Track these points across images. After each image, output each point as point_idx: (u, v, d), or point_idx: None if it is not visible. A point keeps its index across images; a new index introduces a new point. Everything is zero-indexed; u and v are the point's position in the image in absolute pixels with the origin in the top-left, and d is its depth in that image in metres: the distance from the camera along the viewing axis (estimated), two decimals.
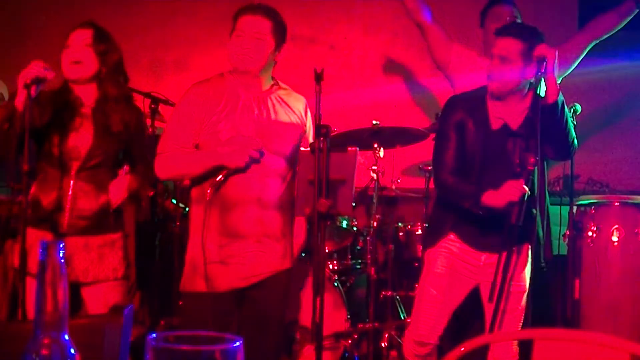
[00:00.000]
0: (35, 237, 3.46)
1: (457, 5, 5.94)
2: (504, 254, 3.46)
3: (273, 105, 3.54)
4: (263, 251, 3.44)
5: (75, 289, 3.56)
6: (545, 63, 3.44)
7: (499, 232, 3.53)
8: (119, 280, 3.66)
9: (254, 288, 3.45)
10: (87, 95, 3.65)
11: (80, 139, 3.57)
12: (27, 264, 3.39)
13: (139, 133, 3.73)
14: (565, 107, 3.51)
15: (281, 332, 3.66)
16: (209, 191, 3.36)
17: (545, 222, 3.71)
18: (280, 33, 3.54)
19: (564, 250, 4.76)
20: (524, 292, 3.71)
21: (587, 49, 4.77)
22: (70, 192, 3.55)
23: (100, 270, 3.61)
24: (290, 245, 3.58)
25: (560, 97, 3.49)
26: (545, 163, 3.76)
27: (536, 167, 3.52)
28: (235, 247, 3.41)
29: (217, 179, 3.36)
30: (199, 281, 3.43)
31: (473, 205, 3.55)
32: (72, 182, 3.56)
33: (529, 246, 3.68)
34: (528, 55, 3.53)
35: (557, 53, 3.50)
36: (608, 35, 4.76)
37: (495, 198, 3.47)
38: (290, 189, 3.55)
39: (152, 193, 4.64)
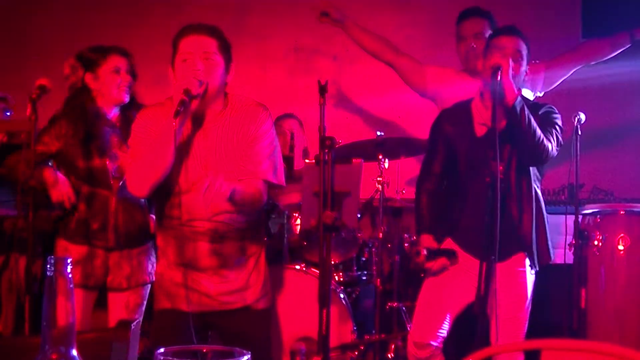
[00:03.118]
0: (77, 252, 3.81)
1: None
2: (484, 264, 3.46)
3: (223, 133, 3.32)
4: (223, 282, 3.37)
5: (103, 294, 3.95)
6: (500, 71, 3.48)
7: (503, 239, 3.57)
8: (150, 283, 3.96)
9: (223, 317, 3.38)
10: (113, 116, 3.94)
11: (120, 158, 3.83)
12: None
13: None
14: (526, 111, 3.52)
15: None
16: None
17: (536, 228, 3.70)
18: (227, 51, 3.32)
19: (569, 260, 4.75)
20: (525, 300, 3.72)
21: (574, 70, 4.77)
22: (112, 211, 3.85)
23: (139, 275, 3.93)
24: (260, 273, 3.48)
25: (519, 101, 3.51)
26: (536, 169, 3.75)
27: (519, 173, 3.65)
28: (198, 276, 3.35)
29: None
30: (163, 299, 3.44)
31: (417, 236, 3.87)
32: (114, 200, 3.86)
33: (524, 255, 3.69)
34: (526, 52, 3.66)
35: (510, 62, 3.54)
36: (597, 62, 4.76)
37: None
38: (252, 214, 3.41)
39: None
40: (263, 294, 3.48)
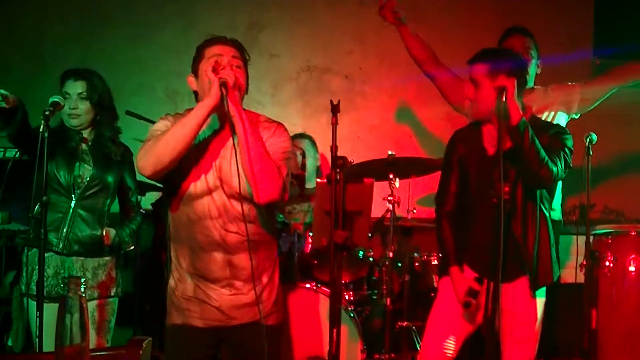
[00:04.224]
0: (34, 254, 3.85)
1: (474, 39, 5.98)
2: (492, 286, 3.44)
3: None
4: (235, 294, 3.35)
5: None
6: (505, 92, 3.48)
7: (509, 260, 3.54)
8: (111, 298, 4.10)
9: (233, 332, 3.37)
10: (85, 132, 4.11)
11: (84, 169, 4.03)
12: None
13: (131, 166, 4.17)
14: (530, 131, 3.52)
15: None
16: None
17: (539, 249, 3.69)
18: (246, 64, 3.40)
19: (580, 280, 4.73)
20: (534, 321, 3.71)
21: (610, 93, 4.76)
22: (69, 217, 4.00)
23: (94, 289, 4.00)
24: (273, 290, 3.47)
25: (523, 121, 3.51)
26: (541, 190, 3.74)
27: (525, 193, 3.64)
28: (209, 288, 3.35)
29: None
30: (175, 315, 3.44)
31: (442, 262, 3.88)
32: (72, 207, 4.01)
33: (528, 277, 3.68)
34: (494, 75, 3.61)
35: (515, 82, 3.56)
36: (634, 83, 4.76)
37: (453, 286, 3.72)
38: (267, 226, 3.42)
39: None
40: (274, 310, 3.47)
